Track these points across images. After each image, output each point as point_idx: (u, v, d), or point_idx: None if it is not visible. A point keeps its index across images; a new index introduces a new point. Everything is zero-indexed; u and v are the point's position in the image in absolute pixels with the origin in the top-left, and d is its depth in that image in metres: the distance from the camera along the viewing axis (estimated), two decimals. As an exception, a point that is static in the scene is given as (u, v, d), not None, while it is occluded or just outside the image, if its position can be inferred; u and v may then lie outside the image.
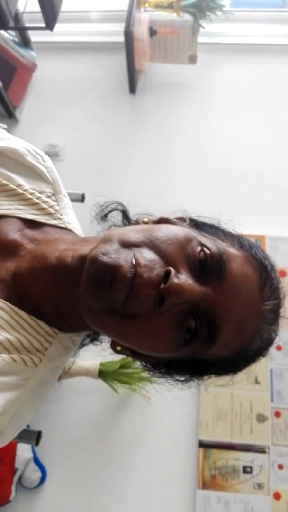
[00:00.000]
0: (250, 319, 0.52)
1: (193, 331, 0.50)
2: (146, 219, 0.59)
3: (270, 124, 2.05)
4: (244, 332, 0.52)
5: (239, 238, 0.58)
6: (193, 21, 2.00)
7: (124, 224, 0.64)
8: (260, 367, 1.56)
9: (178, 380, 0.61)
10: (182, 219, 0.61)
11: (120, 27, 1.92)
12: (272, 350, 1.72)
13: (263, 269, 0.54)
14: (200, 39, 2.06)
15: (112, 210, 0.66)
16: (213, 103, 2.13)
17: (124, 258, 0.47)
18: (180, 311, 0.49)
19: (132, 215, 0.65)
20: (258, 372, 1.59)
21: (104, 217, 0.66)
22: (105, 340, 0.63)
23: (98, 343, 0.65)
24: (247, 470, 1.49)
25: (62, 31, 2.18)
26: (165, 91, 2.15)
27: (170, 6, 2.01)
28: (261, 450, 1.51)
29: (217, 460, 1.50)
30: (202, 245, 0.52)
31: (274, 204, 1.81)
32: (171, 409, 1.56)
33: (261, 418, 1.55)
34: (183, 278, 0.48)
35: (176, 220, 0.60)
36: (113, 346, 0.56)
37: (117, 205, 0.66)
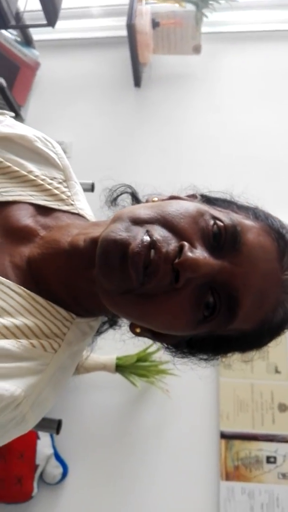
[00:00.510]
0: (270, 290, 0.51)
1: (212, 306, 0.49)
2: (156, 198, 0.58)
3: (279, 110, 2.02)
4: (265, 304, 0.51)
5: (253, 209, 0.57)
6: (196, 11, 1.98)
7: None
8: (279, 356, 1.56)
9: (201, 359, 0.59)
10: (193, 196, 0.60)
11: (122, 21, 1.91)
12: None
13: (281, 238, 0.53)
14: (204, 28, 2.03)
15: (121, 194, 0.65)
16: (220, 92, 2.10)
17: (134, 235, 0.46)
18: (197, 287, 0.48)
19: (142, 196, 0.64)
20: (277, 361, 1.57)
21: (114, 201, 0.65)
22: (124, 325, 0.62)
23: (118, 327, 0.64)
24: (270, 460, 1.47)
25: (64, 28, 2.17)
26: (171, 83, 2.14)
27: (172, -3, 2.00)
28: (284, 439, 1.49)
29: (240, 451, 1.48)
30: (215, 218, 0.50)
31: (286, 191, 1.79)
32: (191, 401, 1.55)
33: (283, 408, 1.52)
34: (197, 252, 0.47)
35: (187, 198, 0.58)
36: (132, 328, 0.55)
37: (125, 188, 0.65)
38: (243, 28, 2.21)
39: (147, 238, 0.46)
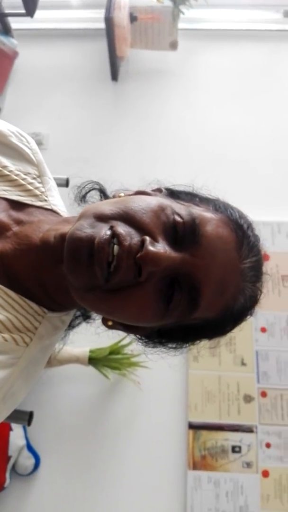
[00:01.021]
0: (230, 279, 0.53)
1: (176, 298, 0.51)
2: (122, 194, 0.60)
3: (252, 109, 2.06)
4: (226, 292, 0.53)
5: (214, 202, 0.59)
6: (173, 7, 1.99)
7: None
8: (246, 349, 1.61)
9: (171, 348, 0.61)
10: (158, 190, 0.61)
11: (101, 13, 1.90)
12: (257, 332, 1.75)
13: (239, 228, 0.55)
14: (181, 25, 2.05)
15: (89, 190, 0.66)
16: (196, 89, 2.13)
17: (98, 231, 0.48)
18: (160, 279, 0.49)
19: (110, 192, 0.65)
20: (244, 354, 1.62)
21: (83, 198, 0.66)
22: (98, 318, 0.64)
23: (92, 320, 0.66)
24: (235, 449, 1.52)
25: (43, 18, 2.15)
26: (148, 78, 2.15)
27: (150, -8, 2.00)
28: (249, 429, 1.54)
29: (207, 441, 1.53)
30: (175, 212, 0.52)
31: (257, 190, 1.83)
32: (161, 392, 1.58)
33: (248, 399, 1.58)
34: (159, 246, 0.48)
35: (152, 192, 0.60)
36: (105, 321, 0.57)
37: (93, 185, 0.67)
38: (219, 26, 2.24)
39: (108, 232, 0.47)
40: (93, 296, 0.49)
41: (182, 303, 0.51)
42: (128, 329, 0.58)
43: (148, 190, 0.61)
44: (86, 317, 0.66)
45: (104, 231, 0.47)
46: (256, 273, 0.56)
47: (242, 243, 0.54)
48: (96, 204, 0.54)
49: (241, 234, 0.55)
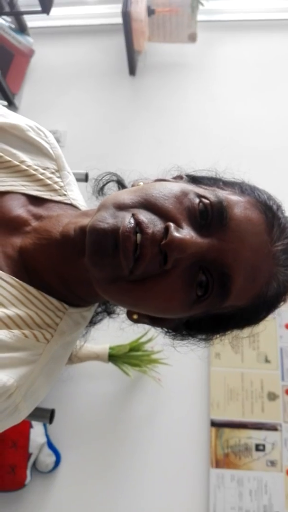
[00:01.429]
0: (262, 264, 0.50)
1: (205, 285, 0.49)
2: (141, 183, 0.58)
3: (274, 101, 2.01)
4: (258, 278, 0.50)
5: (240, 184, 0.56)
6: (192, -1, 1.96)
7: None
8: (269, 346, 1.58)
9: (201, 339, 0.59)
10: (179, 177, 0.59)
11: (117, 8, 1.89)
12: (281, 329, 1.71)
13: (268, 210, 0.52)
14: (200, 17, 2.01)
15: (107, 182, 0.65)
16: (216, 81, 2.09)
17: (121, 220, 0.46)
18: (187, 267, 0.47)
19: (128, 183, 0.64)
20: (267, 351, 1.59)
21: (101, 191, 0.65)
22: (122, 313, 0.63)
23: (115, 316, 0.64)
24: (259, 448, 1.50)
25: (59, 15, 2.15)
26: (166, 71, 2.12)
27: (167, -16, 1.97)
28: (273, 427, 1.51)
29: (230, 439, 1.51)
30: (200, 196, 0.50)
31: (282, 181, 1.79)
32: (182, 389, 1.56)
33: (272, 396, 1.55)
34: (184, 232, 0.46)
35: (172, 180, 0.58)
36: (129, 315, 0.56)
37: (111, 176, 0.65)
38: (239, 16, 2.20)
39: (133, 221, 0.46)
40: (117, 288, 0.48)
41: (213, 291, 0.49)
42: (154, 322, 0.56)
43: (168, 178, 0.59)
44: (109, 313, 0.65)
45: (127, 219, 0.46)
46: None
47: (272, 225, 0.51)
48: (114, 194, 0.52)
49: (271, 215, 0.52)
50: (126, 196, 0.49)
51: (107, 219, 0.47)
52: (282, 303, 0.56)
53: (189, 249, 0.45)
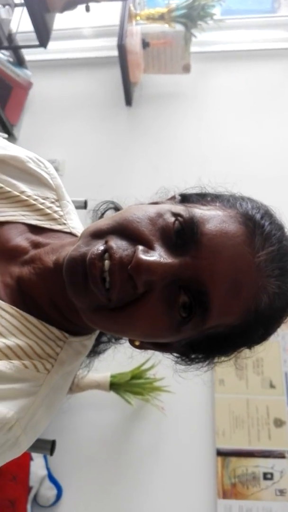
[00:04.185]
0: (243, 277, 0.47)
1: (188, 306, 0.47)
2: None
3: (267, 127, 2.05)
4: (242, 291, 0.47)
5: (223, 197, 0.55)
6: (185, 31, 2.02)
7: None
8: (274, 371, 1.56)
9: (206, 363, 0.57)
10: (172, 198, 0.59)
11: (113, 41, 1.94)
12: (285, 353, 1.68)
13: (249, 220, 0.50)
14: (193, 48, 2.08)
15: (105, 211, 0.65)
16: (209, 110, 2.14)
17: (91, 248, 0.46)
18: (165, 288, 0.46)
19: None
20: (272, 376, 1.56)
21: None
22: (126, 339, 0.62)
23: (121, 344, 0.64)
24: (267, 476, 1.46)
25: (56, 49, 2.20)
26: (161, 101, 2.17)
27: (161, 18, 2.04)
28: (280, 455, 1.47)
29: (237, 468, 1.47)
30: (176, 214, 0.49)
31: (274, 208, 1.81)
32: (186, 418, 1.53)
33: (278, 423, 1.51)
34: (151, 254, 0.45)
35: (165, 201, 0.58)
36: (131, 342, 0.55)
37: (108, 204, 0.65)
38: (231, 47, 2.27)
39: (100, 247, 0.45)
40: (100, 316, 0.47)
41: (193, 311, 0.47)
42: (157, 347, 0.55)
43: (162, 200, 0.60)
44: (115, 339, 0.64)
45: (96, 247, 0.46)
46: (279, 264, 0.49)
47: (253, 235, 0.49)
48: (95, 222, 0.52)
49: (252, 225, 0.49)
50: (103, 223, 0.50)
51: (80, 248, 0.47)
52: (284, 317, 0.53)
53: (155, 271, 0.44)
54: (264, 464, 1.47)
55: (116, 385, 1.47)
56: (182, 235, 0.48)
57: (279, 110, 2.09)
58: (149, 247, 0.46)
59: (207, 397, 1.53)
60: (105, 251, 0.45)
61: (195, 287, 0.47)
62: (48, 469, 1.47)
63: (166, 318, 0.47)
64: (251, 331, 0.52)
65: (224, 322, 0.50)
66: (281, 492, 1.43)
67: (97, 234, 0.48)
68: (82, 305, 0.47)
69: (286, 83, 2.19)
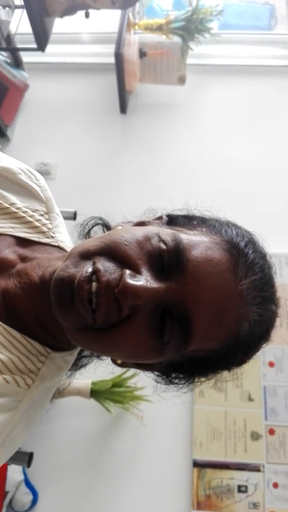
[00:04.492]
0: (227, 304, 0.48)
1: (171, 330, 0.48)
2: (120, 227, 0.58)
3: (259, 143, 2.08)
4: (224, 318, 0.48)
5: (209, 222, 0.56)
6: (182, 43, 2.04)
7: None
8: (253, 384, 1.57)
9: (186, 383, 0.58)
10: (159, 218, 0.60)
11: (111, 48, 1.96)
12: (264, 367, 1.70)
13: (233, 247, 0.51)
14: (189, 60, 2.10)
15: (93, 226, 0.66)
16: (203, 123, 2.16)
17: (80, 269, 0.47)
18: (149, 312, 0.47)
19: (113, 226, 0.64)
20: (251, 389, 1.58)
21: (87, 235, 0.66)
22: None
23: (106, 358, 0.64)
24: (242, 489, 1.47)
25: (54, 52, 2.21)
26: (155, 111, 2.19)
27: (159, 29, 2.06)
28: (255, 468, 1.49)
29: (212, 480, 1.48)
30: (161, 240, 0.50)
31: (263, 222, 1.83)
32: (164, 428, 1.54)
33: (255, 436, 1.53)
34: (138, 278, 0.46)
35: (153, 221, 0.59)
36: (113, 360, 0.56)
37: (96, 220, 0.66)
38: (227, 61, 2.30)
39: (89, 270, 0.46)
40: (85, 336, 0.48)
41: (175, 335, 0.48)
42: (139, 366, 0.56)
43: (150, 219, 0.60)
44: (96, 356, 0.65)
45: (85, 269, 0.46)
46: (260, 293, 0.50)
47: (237, 263, 0.50)
48: (83, 242, 0.53)
49: (236, 253, 0.51)
50: (91, 243, 0.50)
51: (69, 268, 0.47)
52: (263, 343, 0.55)
53: (141, 295, 0.45)
54: (239, 477, 1.48)
55: (97, 393, 1.48)
56: (168, 260, 0.49)
57: (272, 126, 2.12)
58: (136, 271, 0.47)
59: (186, 408, 1.55)
60: (93, 273, 0.46)
61: (179, 312, 0.48)
62: (25, 474, 1.46)
63: (150, 341, 0.48)
64: (231, 356, 0.53)
65: (205, 347, 0.51)
66: (255, 505, 1.45)
67: (85, 255, 0.49)
68: (68, 325, 0.48)
69: (280, 99, 2.23)
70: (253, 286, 0.50)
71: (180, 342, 0.49)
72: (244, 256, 0.51)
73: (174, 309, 0.48)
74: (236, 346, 0.51)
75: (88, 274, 0.46)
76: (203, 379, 0.58)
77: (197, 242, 0.50)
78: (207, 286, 0.48)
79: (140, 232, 0.51)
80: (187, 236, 0.51)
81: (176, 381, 0.59)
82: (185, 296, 0.47)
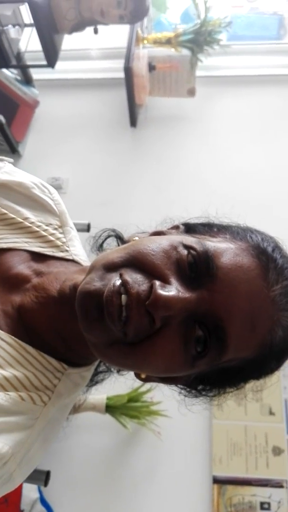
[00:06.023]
0: (259, 311, 0.47)
1: (203, 340, 0.47)
2: (136, 238, 0.57)
3: (270, 153, 2.07)
4: (258, 326, 0.47)
5: (232, 229, 0.55)
6: (191, 56, 2.05)
7: None
8: (273, 397, 1.53)
9: (216, 394, 0.56)
10: (175, 227, 0.59)
11: (120, 63, 1.97)
12: (285, 379, 1.66)
13: (261, 253, 0.50)
14: (199, 72, 2.11)
15: (105, 239, 0.65)
16: (213, 134, 2.16)
17: (108, 282, 0.45)
18: (181, 323, 0.46)
19: (127, 237, 0.63)
20: (271, 402, 1.54)
21: (100, 248, 0.65)
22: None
23: (126, 373, 0.62)
24: (264, 506, 1.42)
25: (63, 69, 2.24)
26: (166, 124, 2.20)
27: (168, 42, 2.07)
28: (278, 484, 1.45)
29: (233, 497, 1.44)
30: (188, 247, 0.49)
31: (277, 233, 1.81)
32: (182, 443, 1.51)
33: (277, 451, 1.49)
34: (169, 288, 0.45)
35: (168, 230, 0.58)
36: (137, 375, 0.54)
37: (109, 232, 0.65)
38: (236, 72, 2.30)
39: (117, 283, 0.45)
40: (114, 352, 0.46)
41: (210, 346, 0.47)
42: (164, 380, 0.54)
43: (165, 229, 0.59)
44: (113, 371, 0.63)
45: (112, 281, 0.45)
46: None
47: (267, 268, 0.49)
48: (105, 253, 0.51)
49: (265, 258, 0.50)
50: (115, 255, 0.49)
51: (95, 282, 0.46)
52: None
53: (174, 306, 0.44)
54: (262, 494, 1.44)
55: (112, 408, 1.45)
56: (196, 268, 0.47)
57: (283, 136, 2.11)
58: (165, 281, 0.46)
59: (204, 423, 1.51)
60: (121, 285, 0.45)
61: (212, 322, 0.46)
62: (40, 492, 1.44)
63: (182, 353, 0.47)
64: (264, 364, 0.52)
65: (239, 356, 0.49)
66: (278, 523, 1.40)
67: (110, 267, 0.47)
68: (96, 340, 0.46)
69: (290, 108, 2.22)
70: (285, 291, 0.49)
71: (214, 352, 0.47)
72: (273, 262, 0.50)
73: (206, 319, 0.47)
74: (271, 353, 0.50)
75: (116, 287, 0.44)
76: (232, 389, 0.56)
77: (224, 248, 0.49)
78: (238, 294, 0.46)
79: (165, 241, 0.50)
80: (213, 244, 0.50)
81: (204, 393, 0.57)
82: (216, 304, 0.46)
